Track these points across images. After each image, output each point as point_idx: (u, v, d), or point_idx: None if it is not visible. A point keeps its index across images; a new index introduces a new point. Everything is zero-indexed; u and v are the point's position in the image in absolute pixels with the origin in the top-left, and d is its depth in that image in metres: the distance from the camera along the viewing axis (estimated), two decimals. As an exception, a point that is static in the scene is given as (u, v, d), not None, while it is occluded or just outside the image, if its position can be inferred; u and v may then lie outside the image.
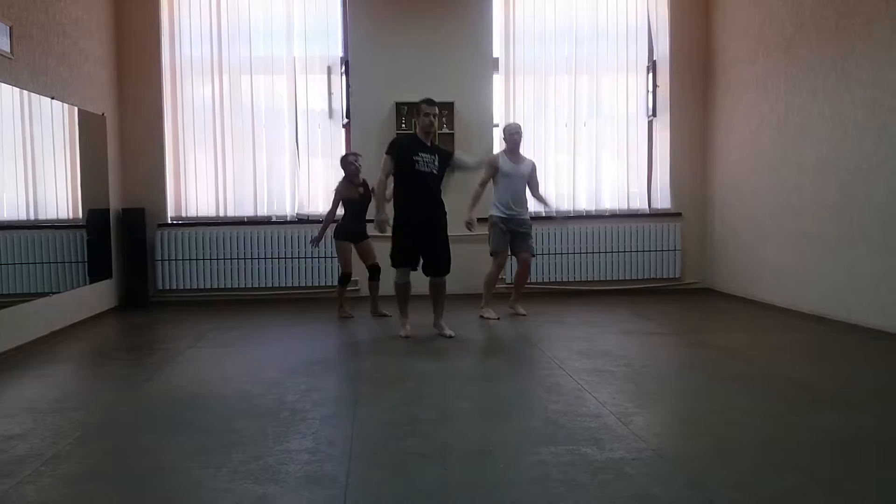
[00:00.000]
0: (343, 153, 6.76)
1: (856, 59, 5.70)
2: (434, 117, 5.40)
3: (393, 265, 5.49)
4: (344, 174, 6.39)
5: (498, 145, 7.81)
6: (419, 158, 5.33)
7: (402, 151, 5.37)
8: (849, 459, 2.95)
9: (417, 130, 5.50)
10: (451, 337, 5.43)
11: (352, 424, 3.42)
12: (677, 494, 2.63)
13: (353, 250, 6.40)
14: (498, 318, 6.19)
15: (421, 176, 5.34)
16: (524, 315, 6.36)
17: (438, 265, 5.47)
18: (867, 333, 5.46)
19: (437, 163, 5.39)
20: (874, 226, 5.57)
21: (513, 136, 6.31)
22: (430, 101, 5.43)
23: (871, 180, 5.59)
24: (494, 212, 6.27)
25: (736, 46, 7.42)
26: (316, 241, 6.51)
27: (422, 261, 5.49)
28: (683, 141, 8.00)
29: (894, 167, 5.36)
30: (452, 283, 7.18)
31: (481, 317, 6.28)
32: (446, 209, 5.51)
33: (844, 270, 5.90)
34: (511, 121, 7.24)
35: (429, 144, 5.43)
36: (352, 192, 6.34)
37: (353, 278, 6.66)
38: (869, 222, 5.63)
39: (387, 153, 5.44)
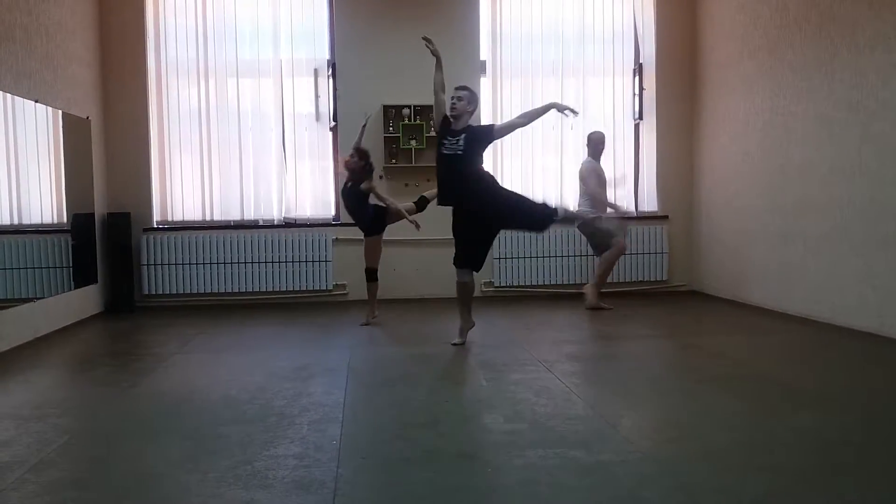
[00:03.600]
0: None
1: (839, 62, 5.76)
2: (457, 100, 5.13)
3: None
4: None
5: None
6: (445, 141, 5.14)
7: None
8: (834, 461, 2.97)
9: None
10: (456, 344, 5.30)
11: (340, 429, 3.41)
12: (665, 497, 2.63)
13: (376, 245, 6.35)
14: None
15: (444, 159, 5.16)
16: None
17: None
18: (851, 334, 5.50)
19: (462, 143, 5.08)
20: (857, 227, 5.62)
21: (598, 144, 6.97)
22: (459, 87, 5.23)
23: (855, 181, 5.64)
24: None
25: (721, 49, 7.47)
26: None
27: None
28: (670, 144, 8.04)
29: (877, 169, 5.42)
30: (436, 287, 7.18)
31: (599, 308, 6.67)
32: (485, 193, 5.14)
33: (828, 271, 5.94)
34: (495, 121, 7.27)
35: (458, 128, 5.16)
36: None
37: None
38: (852, 223, 5.67)
39: None
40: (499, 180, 5.45)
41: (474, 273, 5.31)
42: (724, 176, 7.48)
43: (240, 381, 4.34)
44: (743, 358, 4.89)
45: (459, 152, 5.08)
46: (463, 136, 5.12)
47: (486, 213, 5.14)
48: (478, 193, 5.12)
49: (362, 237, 6.37)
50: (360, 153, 6.20)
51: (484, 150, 5.21)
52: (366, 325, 6.22)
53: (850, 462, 2.96)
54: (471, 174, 5.13)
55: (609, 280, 7.80)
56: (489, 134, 5.22)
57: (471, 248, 5.22)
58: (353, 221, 6.42)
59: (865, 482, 2.76)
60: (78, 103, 6.69)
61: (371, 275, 6.31)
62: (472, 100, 5.22)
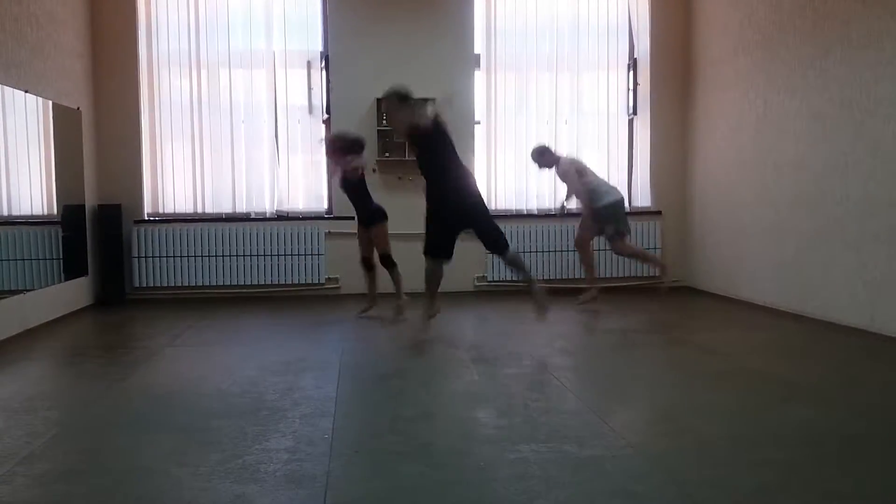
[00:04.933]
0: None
1: (833, 59, 5.76)
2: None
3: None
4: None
5: (479, 142, 7.81)
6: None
7: None
8: (825, 455, 2.98)
9: None
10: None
11: (332, 423, 3.40)
12: (657, 491, 2.64)
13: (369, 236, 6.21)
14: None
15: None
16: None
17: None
18: (842, 330, 5.52)
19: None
20: (850, 223, 5.64)
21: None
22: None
23: (848, 178, 5.65)
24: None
25: (716, 45, 7.47)
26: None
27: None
28: (663, 139, 8.05)
29: (870, 165, 5.43)
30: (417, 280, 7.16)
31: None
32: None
33: (821, 268, 5.96)
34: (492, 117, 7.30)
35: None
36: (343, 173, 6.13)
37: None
38: (845, 219, 5.69)
39: None
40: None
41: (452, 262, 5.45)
42: (718, 172, 7.49)
43: (231, 375, 4.32)
44: (735, 353, 4.90)
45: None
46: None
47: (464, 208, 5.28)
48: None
49: (355, 231, 6.33)
50: (340, 141, 6.13)
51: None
52: (397, 312, 6.15)
53: (842, 456, 2.97)
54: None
55: (602, 275, 7.82)
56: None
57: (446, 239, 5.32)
58: (348, 215, 6.37)
59: (857, 476, 2.76)
60: (68, 94, 6.63)
61: (389, 260, 6.13)
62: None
